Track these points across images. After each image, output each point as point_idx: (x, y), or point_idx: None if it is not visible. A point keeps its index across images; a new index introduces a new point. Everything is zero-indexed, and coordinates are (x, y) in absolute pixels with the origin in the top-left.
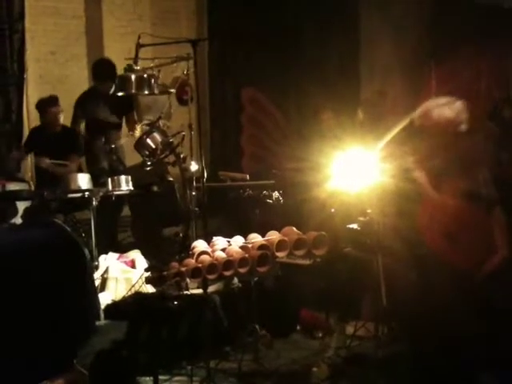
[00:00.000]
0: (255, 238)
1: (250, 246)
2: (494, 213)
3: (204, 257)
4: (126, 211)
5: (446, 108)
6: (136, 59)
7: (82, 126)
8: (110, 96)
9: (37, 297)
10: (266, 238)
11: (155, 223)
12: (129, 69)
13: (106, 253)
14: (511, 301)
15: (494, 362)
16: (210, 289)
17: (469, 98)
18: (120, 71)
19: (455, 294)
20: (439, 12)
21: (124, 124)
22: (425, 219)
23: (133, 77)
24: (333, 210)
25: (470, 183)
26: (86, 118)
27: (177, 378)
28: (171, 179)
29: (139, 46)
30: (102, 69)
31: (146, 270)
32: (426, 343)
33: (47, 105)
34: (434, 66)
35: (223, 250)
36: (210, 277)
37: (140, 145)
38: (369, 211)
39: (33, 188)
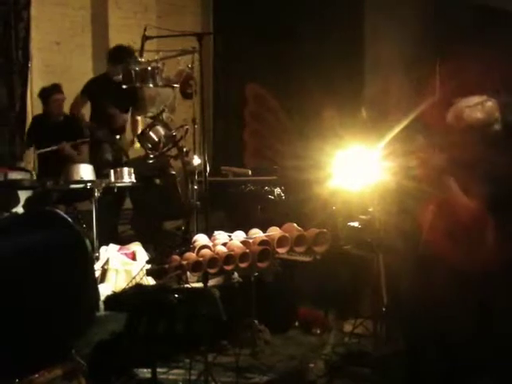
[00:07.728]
0: (256, 234)
1: (251, 241)
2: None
3: (205, 251)
4: (127, 204)
5: (477, 108)
6: (141, 51)
7: (82, 110)
8: (119, 85)
9: (36, 286)
10: (267, 234)
11: (156, 216)
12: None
13: (107, 244)
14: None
15: (489, 364)
16: (210, 283)
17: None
18: None
19: (455, 294)
20: (445, 7)
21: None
22: (427, 218)
23: (137, 69)
24: (334, 208)
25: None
26: (91, 105)
27: (175, 371)
28: (173, 172)
29: (145, 38)
30: (116, 52)
31: (148, 262)
32: (423, 343)
33: (50, 92)
34: (439, 64)
35: (224, 244)
36: (211, 271)
37: (143, 137)
38: (370, 209)
39: (35, 177)
